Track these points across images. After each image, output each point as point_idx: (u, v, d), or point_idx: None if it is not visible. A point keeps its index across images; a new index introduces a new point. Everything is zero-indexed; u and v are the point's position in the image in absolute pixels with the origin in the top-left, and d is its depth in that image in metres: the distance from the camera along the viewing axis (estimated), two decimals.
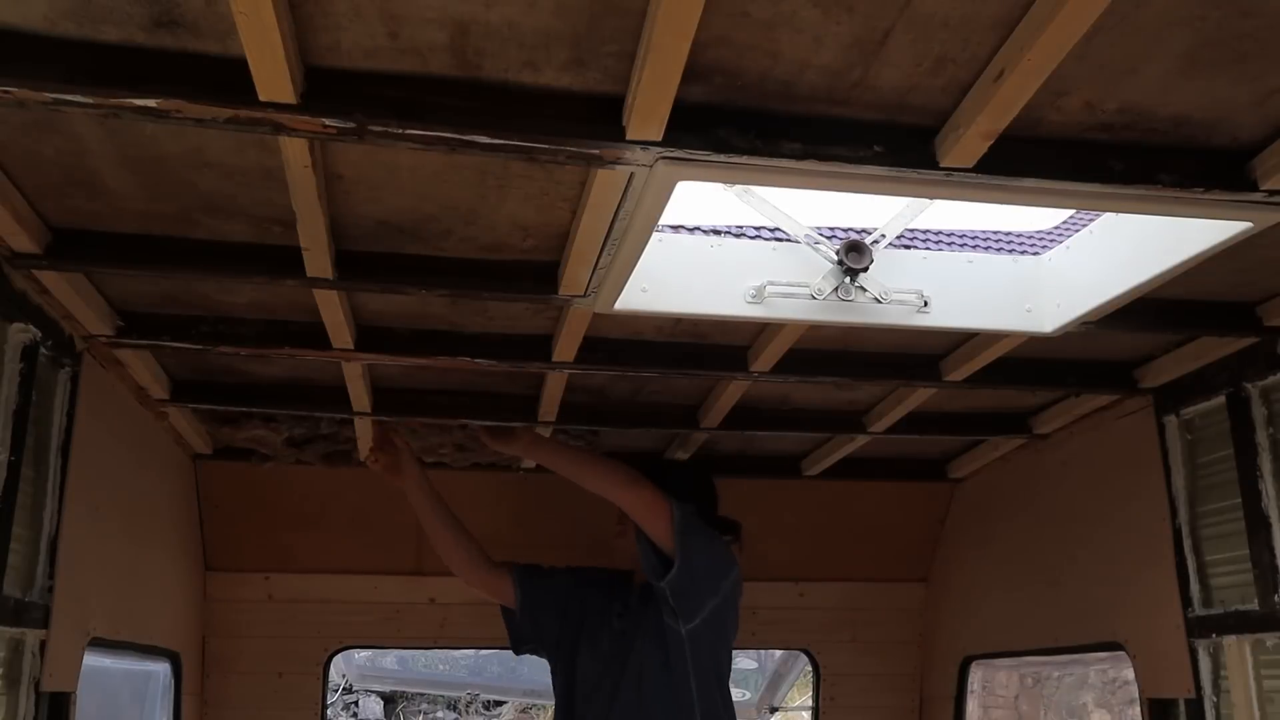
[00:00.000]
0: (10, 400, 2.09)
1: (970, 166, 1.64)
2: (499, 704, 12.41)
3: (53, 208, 1.90)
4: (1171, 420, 2.75)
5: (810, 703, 4.32)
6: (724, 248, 2.22)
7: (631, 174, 1.65)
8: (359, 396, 2.84)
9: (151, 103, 1.43)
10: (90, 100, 1.43)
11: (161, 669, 3.35)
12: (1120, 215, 2.11)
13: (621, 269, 1.99)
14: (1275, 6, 1.38)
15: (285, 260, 2.00)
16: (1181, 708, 2.63)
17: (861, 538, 3.95)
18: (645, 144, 1.54)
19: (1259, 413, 2.45)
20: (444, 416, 3.11)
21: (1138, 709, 2.83)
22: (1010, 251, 2.36)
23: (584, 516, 3.66)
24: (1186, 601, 2.64)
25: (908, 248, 2.29)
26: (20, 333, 2.12)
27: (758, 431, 3.21)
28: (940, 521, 3.98)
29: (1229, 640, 2.49)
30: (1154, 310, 2.30)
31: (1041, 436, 3.28)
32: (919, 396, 2.90)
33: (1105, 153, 1.69)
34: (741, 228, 2.25)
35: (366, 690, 12.09)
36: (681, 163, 1.59)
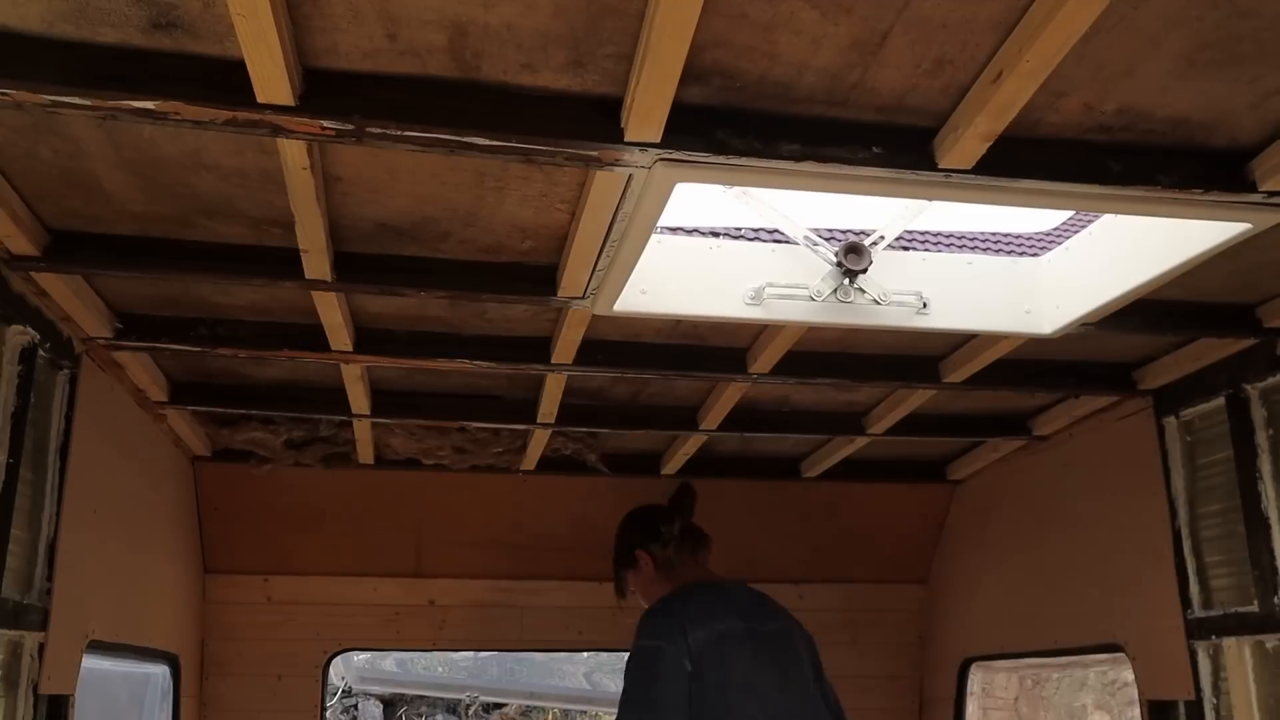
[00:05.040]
0: (9, 402, 2.09)
1: (969, 168, 1.64)
2: (498, 707, 12.41)
3: (51, 210, 1.90)
4: (1171, 422, 2.75)
5: None
6: (723, 249, 2.22)
7: (630, 176, 1.65)
8: (358, 399, 2.84)
9: (149, 104, 1.43)
10: (88, 102, 1.43)
11: (160, 672, 3.34)
12: (1119, 217, 2.11)
13: (620, 271, 1.99)
14: (1273, 8, 1.38)
15: (284, 262, 2.00)
16: (1181, 709, 2.63)
17: (861, 539, 3.95)
18: (644, 145, 1.54)
19: (1258, 414, 2.45)
20: (443, 419, 3.10)
21: (1138, 711, 2.83)
22: (1009, 253, 2.35)
23: (583, 518, 3.66)
24: (1186, 603, 2.64)
25: (907, 249, 2.29)
26: (19, 335, 2.12)
27: (757, 433, 3.21)
28: (940, 523, 3.98)
29: (1229, 642, 2.49)
30: (1153, 312, 2.30)
31: (1041, 438, 3.28)
32: (918, 398, 2.89)
33: (1104, 154, 1.69)
34: (740, 229, 2.25)
35: (366, 694, 12.07)
36: (680, 164, 1.59)
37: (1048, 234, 2.38)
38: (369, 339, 2.46)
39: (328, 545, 3.64)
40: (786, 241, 2.21)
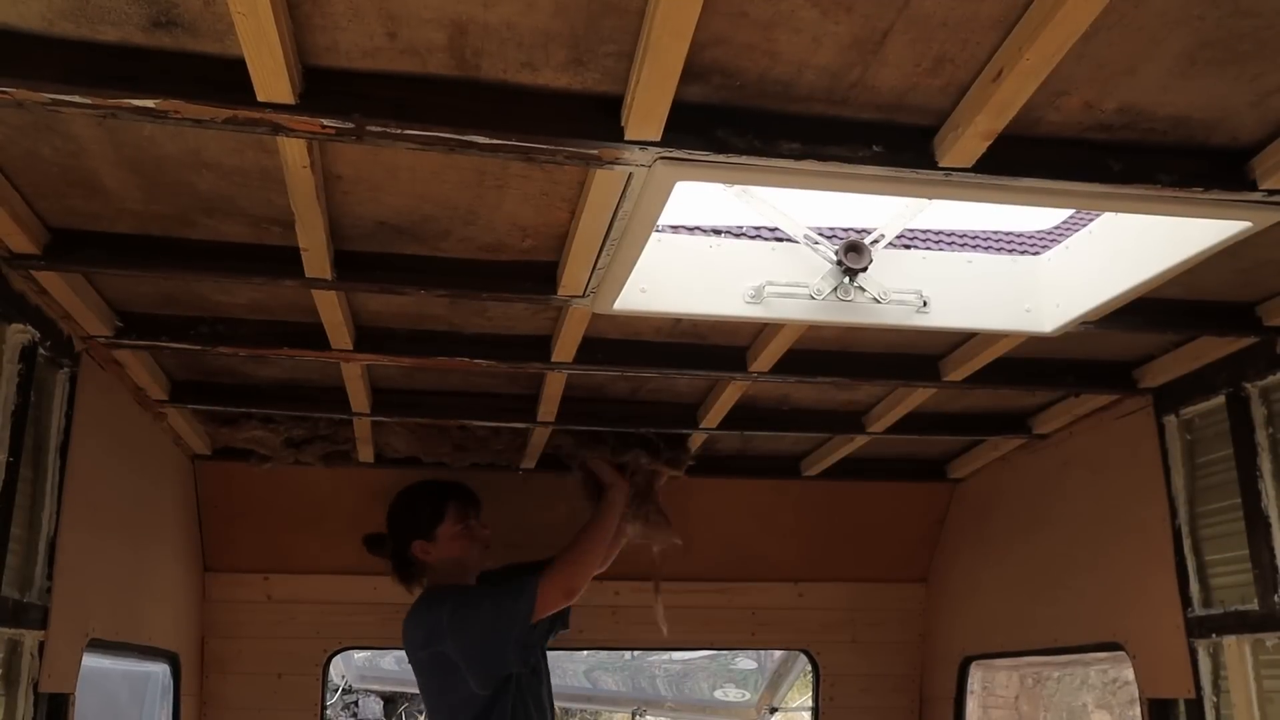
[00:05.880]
0: (9, 401, 2.09)
1: (969, 166, 1.64)
2: None
3: (51, 208, 1.90)
4: (1171, 420, 2.75)
5: (810, 703, 4.31)
6: (723, 248, 2.22)
7: (630, 174, 1.65)
8: (358, 397, 2.84)
9: (150, 103, 1.43)
10: (88, 100, 1.43)
11: (160, 670, 3.35)
12: (1119, 215, 2.11)
13: (620, 269, 1.99)
14: (1274, 6, 1.38)
15: (284, 261, 2.00)
16: (1181, 708, 2.63)
17: (861, 538, 3.95)
18: (644, 144, 1.54)
19: (1258, 412, 2.45)
20: (443, 417, 3.11)
21: (1138, 710, 2.83)
22: (1010, 251, 2.35)
23: (582, 517, 3.65)
24: (1186, 601, 2.64)
25: (907, 248, 2.29)
26: (19, 333, 2.12)
27: (757, 431, 3.21)
28: (940, 522, 3.98)
29: (1229, 640, 2.49)
30: (1153, 310, 2.30)
31: (1041, 437, 3.28)
32: (918, 397, 2.90)
33: (1104, 152, 1.69)
34: (740, 228, 2.25)
35: (367, 690, 12.09)
36: (680, 163, 1.59)
37: (1048, 232, 2.38)
38: (369, 337, 2.46)
39: (328, 543, 3.64)
40: (787, 240, 2.21)
